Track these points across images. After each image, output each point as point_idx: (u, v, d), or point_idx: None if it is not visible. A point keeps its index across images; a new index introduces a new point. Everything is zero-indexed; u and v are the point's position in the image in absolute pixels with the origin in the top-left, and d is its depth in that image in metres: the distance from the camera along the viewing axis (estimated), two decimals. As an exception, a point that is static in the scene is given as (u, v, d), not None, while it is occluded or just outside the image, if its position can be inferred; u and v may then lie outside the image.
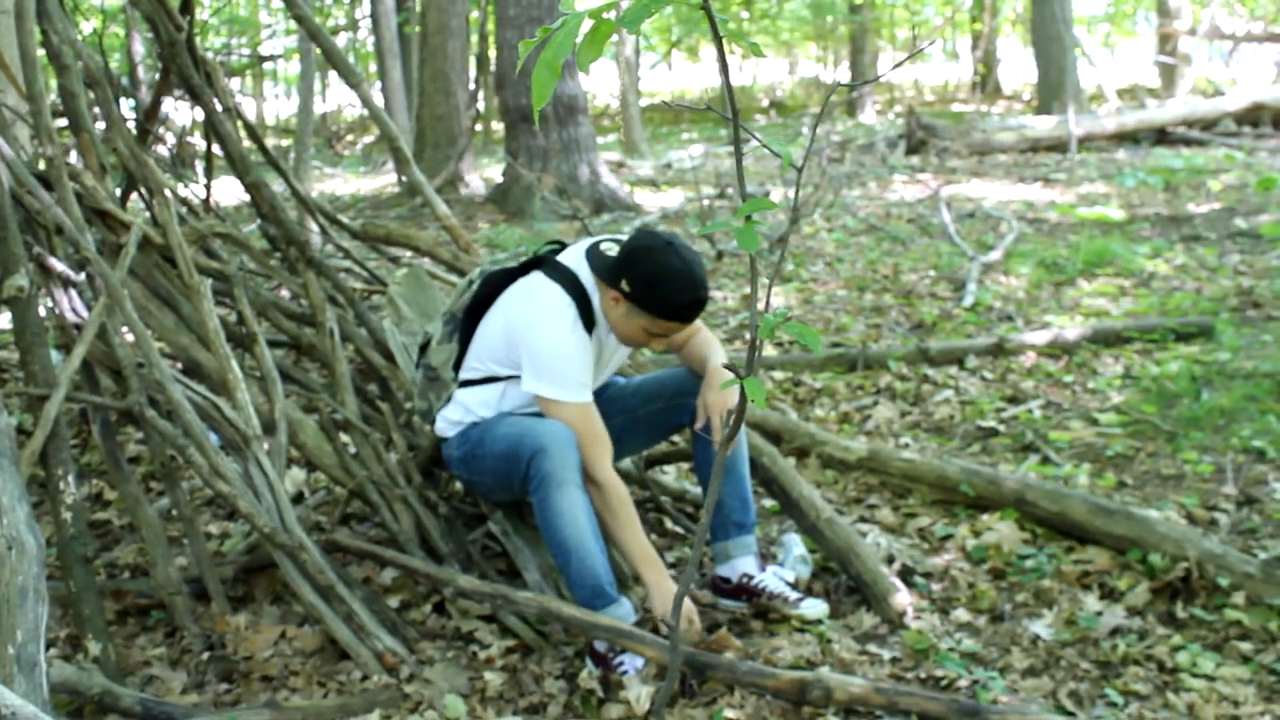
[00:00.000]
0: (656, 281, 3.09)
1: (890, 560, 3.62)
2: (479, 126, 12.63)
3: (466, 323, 3.40)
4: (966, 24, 28.79)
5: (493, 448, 3.24)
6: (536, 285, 3.26)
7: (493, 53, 11.79)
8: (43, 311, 3.44)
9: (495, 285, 3.37)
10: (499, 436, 3.23)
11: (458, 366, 3.44)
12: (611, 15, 1.72)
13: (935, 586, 3.53)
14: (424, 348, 3.55)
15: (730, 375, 3.15)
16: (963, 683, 2.98)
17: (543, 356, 3.17)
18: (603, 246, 3.26)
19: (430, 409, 3.54)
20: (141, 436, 4.36)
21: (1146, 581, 3.40)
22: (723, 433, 3.16)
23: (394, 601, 3.46)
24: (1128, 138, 14.71)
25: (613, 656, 3.05)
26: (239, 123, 4.34)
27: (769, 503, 4.06)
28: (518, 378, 3.27)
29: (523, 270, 3.35)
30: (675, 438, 3.84)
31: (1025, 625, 3.28)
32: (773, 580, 3.39)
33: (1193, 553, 3.36)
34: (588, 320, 3.23)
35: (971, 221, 9.86)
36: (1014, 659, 3.10)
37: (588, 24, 1.73)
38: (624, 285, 3.12)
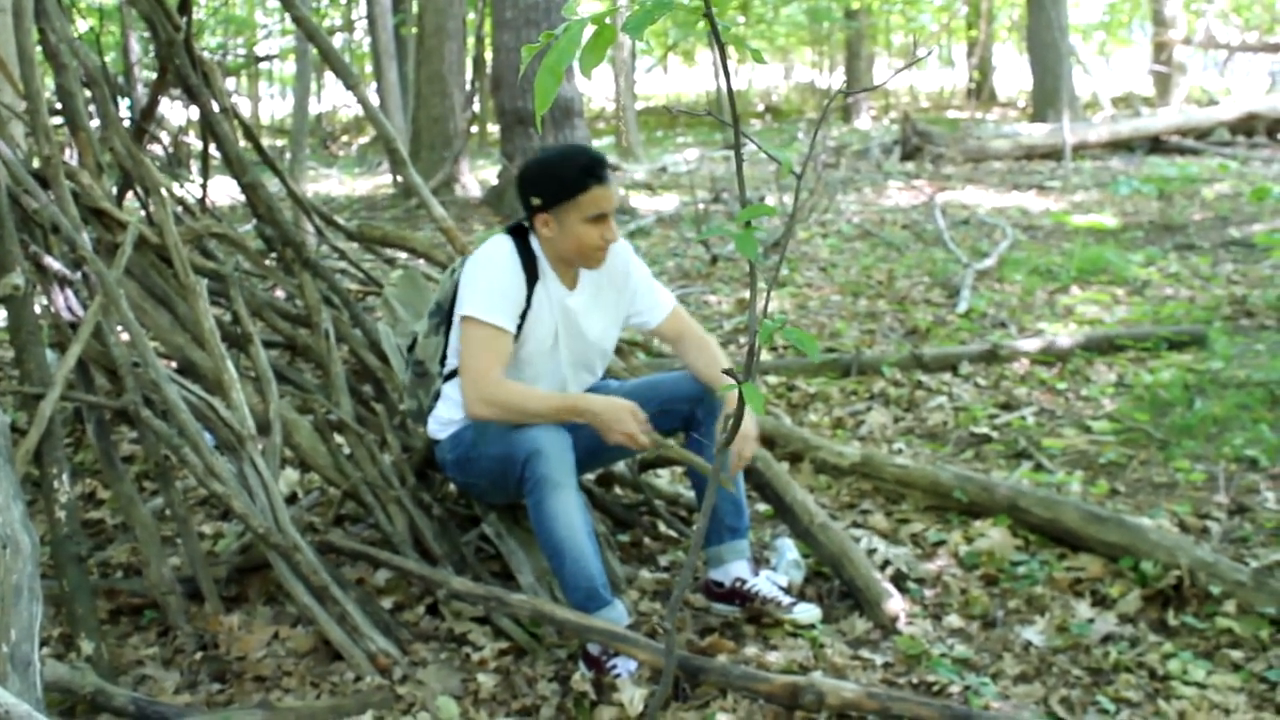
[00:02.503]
0: (548, 168, 3.21)
1: (885, 565, 3.63)
2: (475, 128, 12.62)
3: (451, 314, 3.41)
4: (962, 31, 28.86)
5: (487, 450, 3.24)
6: (490, 238, 3.35)
7: (489, 55, 11.78)
8: (38, 310, 3.44)
9: None
10: (493, 439, 3.23)
11: (444, 360, 3.45)
12: (613, 21, 1.73)
13: (928, 592, 3.54)
14: (412, 346, 3.57)
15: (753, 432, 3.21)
16: (955, 688, 2.99)
17: (473, 280, 3.22)
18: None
19: (421, 408, 3.54)
20: (136, 436, 4.36)
21: (1138, 589, 3.40)
22: (721, 437, 3.16)
23: (387, 603, 3.46)
24: (1122, 146, 14.75)
25: (606, 659, 3.05)
26: (235, 123, 4.34)
27: (763, 507, 4.06)
28: None
29: None
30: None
31: (1017, 631, 3.28)
32: (766, 585, 3.39)
33: (1184, 561, 3.37)
34: (530, 267, 3.26)
35: (966, 228, 9.88)
36: (1006, 665, 3.11)
37: (590, 30, 1.74)
38: (533, 200, 3.19)
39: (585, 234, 3.20)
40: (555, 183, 3.17)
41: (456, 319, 3.27)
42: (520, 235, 3.30)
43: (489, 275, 3.22)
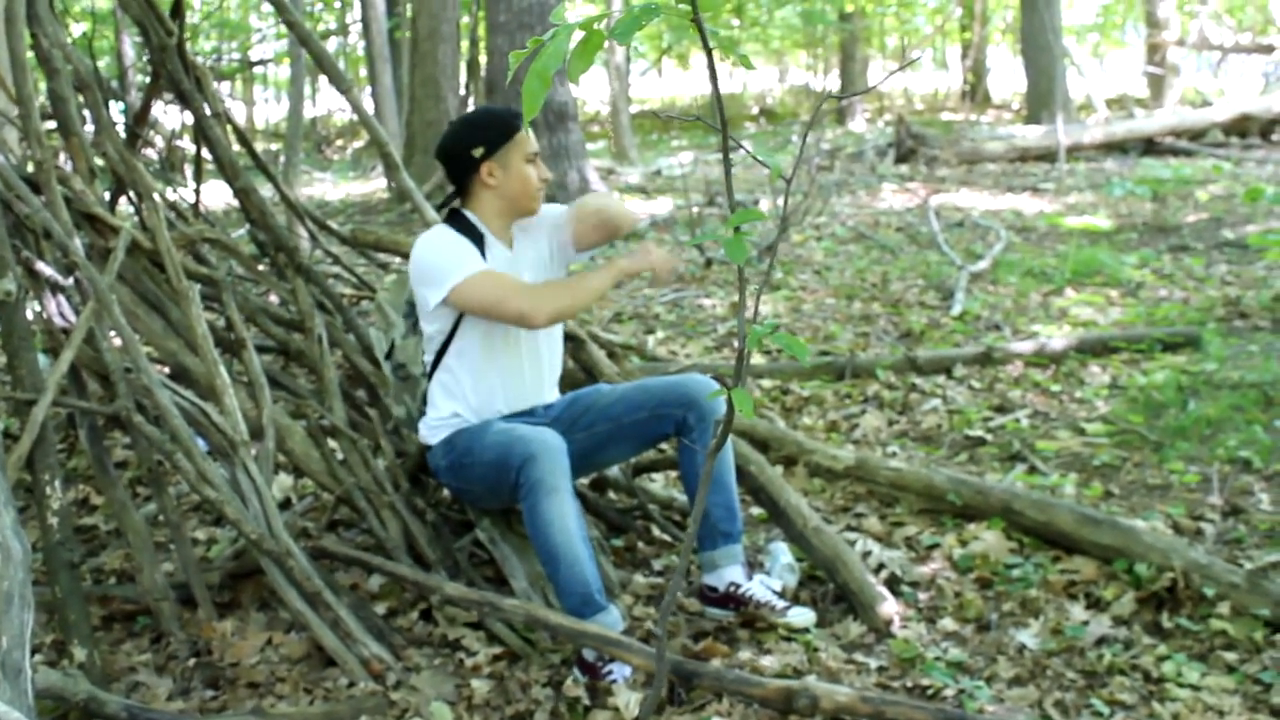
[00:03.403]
0: (477, 122, 3.37)
1: (879, 569, 3.63)
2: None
3: None
4: (956, 33, 28.86)
5: (482, 456, 3.24)
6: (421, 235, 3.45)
7: (483, 59, 11.78)
8: (30, 315, 3.43)
9: None
10: (488, 445, 3.23)
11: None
12: (602, 26, 1.72)
13: (922, 595, 3.54)
14: (390, 352, 3.58)
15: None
16: (949, 692, 2.99)
17: (425, 266, 3.28)
18: (444, 199, 3.47)
19: (410, 414, 3.55)
20: (129, 442, 4.34)
21: (1132, 591, 3.41)
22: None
23: (381, 608, 3.46)
24: (1116, 147, 14.75)
25: (601, 665, 3.05)
26: (229, 127, 4.34)
27: (756, 511, 4.06)
28: (456, 329, 3.35)
29: None
30: (663, 445, 3.84)
31: (1011, 634, 3.28)
32: (760, 589, 3.39)
33: (1178, 563, 3.37)
34: (472, 235, 3.34)
35: (960, 230, 9.89)
36: (1000, 668, 3.11)
37: (579, 35, 1.74)
38: (475, 152, 3.31)
39: (529, 179, 3.35)
40: (490, 130, 3.32)
41: (432, 305, 3.29)
42: (452, 218, 3.40)
43: (434, 249, 3.30)
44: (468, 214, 3.38)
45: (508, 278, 3.26)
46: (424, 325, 3.38)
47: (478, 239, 3.33)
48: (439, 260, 3.26)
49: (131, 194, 3.96)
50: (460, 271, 3.22)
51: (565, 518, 3.08)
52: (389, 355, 3.59)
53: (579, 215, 3.46)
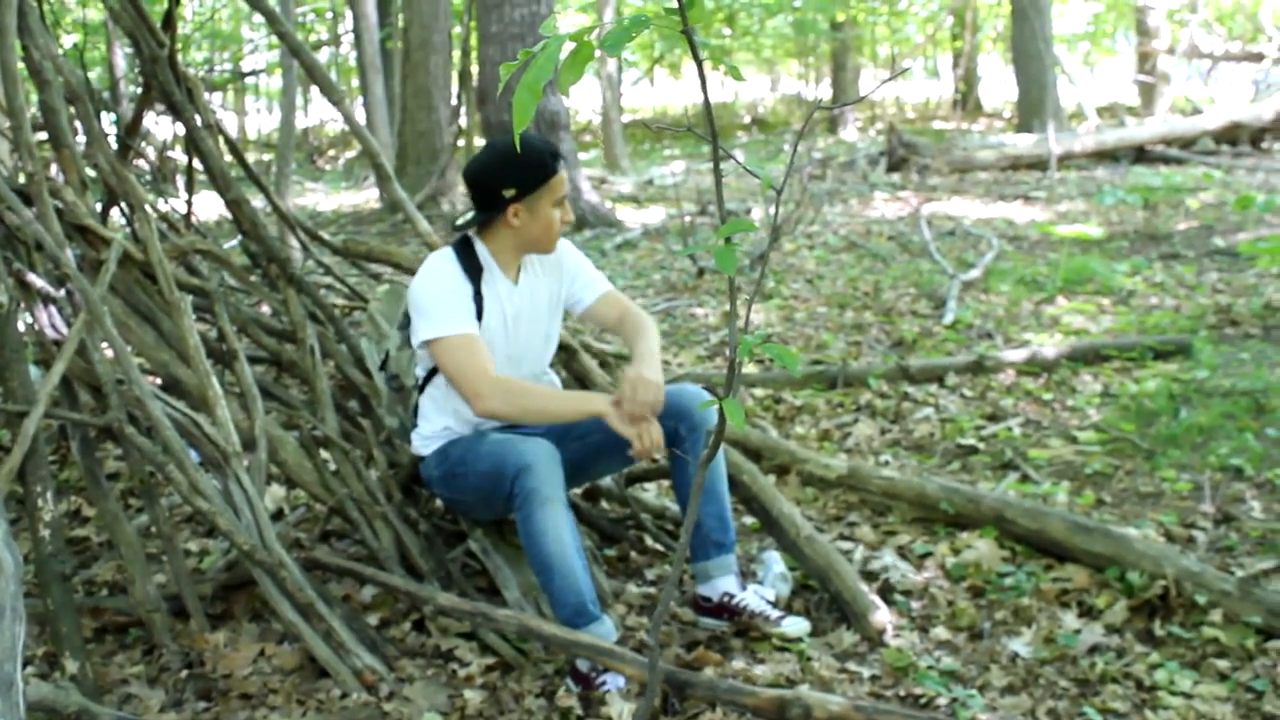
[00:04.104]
0: (516, 159, 3.22)
1: (873, 577, 3.63)
2: (461, 142, 12.59)
3: None
4: (947, 42, 28.94)
5: (476, 466, 3.24)
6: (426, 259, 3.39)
7: (475, 68, 11.77)
8: (22, 327, 3.43)
9: None
10: (482, 455, 3.23)
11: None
12: (593, 37, 1.73)
13: (915, 604, 3.54)
14: (384, 363, 3.58)
15: (656, 379, 3.19)
16: (942, 701, 2.99)
17: (420, 302, 3.25)
18: (462, 219, 3.37)
19: (403, 425, 3.55)
20: (120, 453, 4.34)
21: (1125, 599, 3.41)
22: (645, 398, 3.15)
23: (373, 619, 3.45)
24: (1107, 156, 14.80)
25: (595, 675, 3.05)
26: (220, 138, 4.34)
27: (749, 520, 4.06)
28: None
29: None
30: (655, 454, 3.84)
31: (1004, 643, 3.29)
32: (754, 599, 3.39)
33: (1170, 571, 3.37)
34: (471, 269, 3.30)
35: (952, 239, 9.90)
36: (993, 677, 3.11)
37: (569, 46, 1.74)
38: (506, 192, 3.23)
39: (551, 222, 3.29)
40: (527, 171, 3.23)
41: (416, 343, 3.29)
42: (462, 245, 3.35)
43: (431, 292, 3.25)
44: (478, 244, 3.34)
45: (481, 355, 3.20)
46: (414, 343, 3.38)
47: (476, 274, 3.30)
48: (430, 306, 3.23)
49: (123, 205, 3.96)
50: (444, 327, 3.20)
51: (559, 528, 3.08)
52: (383, 366, 3.59)
53: (607, 302, 3.49)
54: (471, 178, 3.30)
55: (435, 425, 3.39)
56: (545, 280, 3.45)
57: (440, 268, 3.30)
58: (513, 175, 3.23)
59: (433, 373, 3.38)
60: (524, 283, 3.40)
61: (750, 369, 5.98)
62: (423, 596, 3.29)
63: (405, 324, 3.50)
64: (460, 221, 3.37)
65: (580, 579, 3.09)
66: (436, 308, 3.22)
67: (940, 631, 3.37)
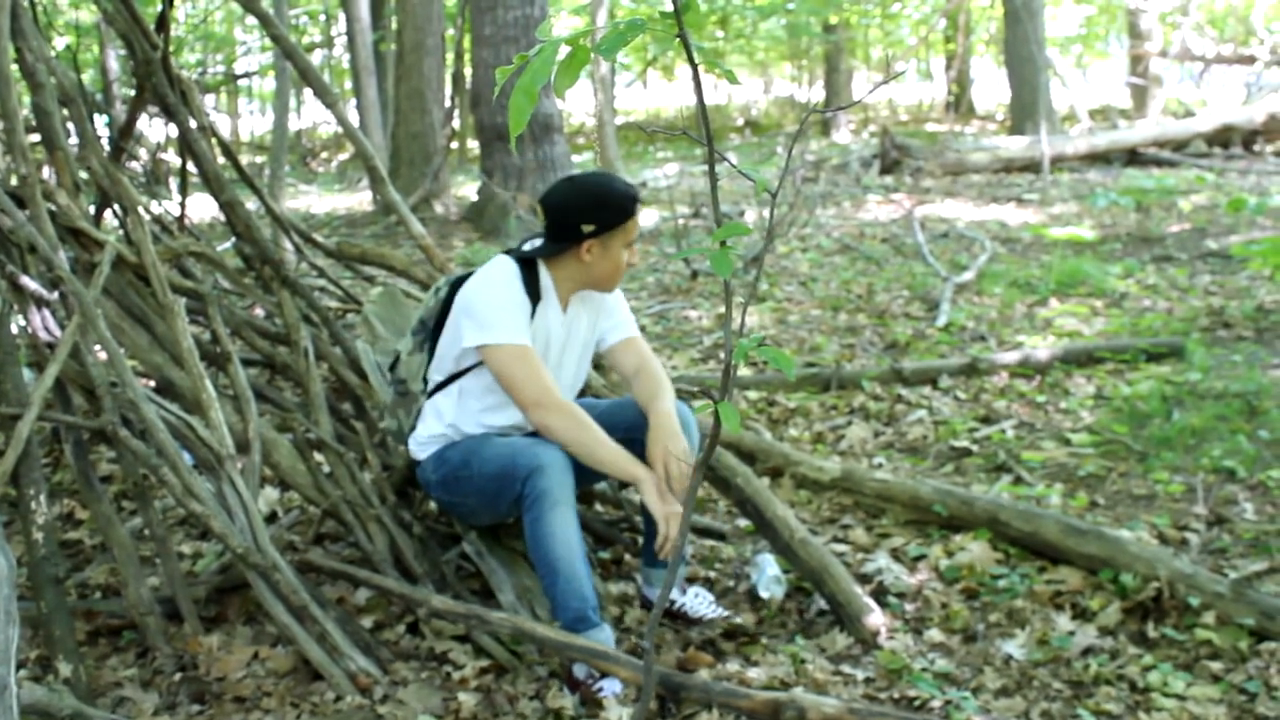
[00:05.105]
0: (600, 197, 3.23)
1: (867, 580, 3.63)
2: (454, 145, 12.60)
3: (436, 332, 3.41)
4: (940, 44, 28.96)
5: (482, 468, 3.23)
6: (489, 262, 3.36)
7: (469, 71, 11.78)
8: (15, 330, 3.42)
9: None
10: (488, 457, 3.22)
11: (427, 379, 3.45)
12: (588, 41, 1.73)
13: (909, 607, 3.55)
14: (394, 365, 3.57)
15: (686, 456, 3.18)
16: (936, 703, 2.99)
17: (477, 307, 3.22)
18: (531, 245, 3.34)
19: (401, 428, 3.54)
20: (114, 456, 4.33)
21: (1118, 601, 3.42)
22: (682, 479, 3.16)
23: (368, 622, 3.45)
24: (1099, 158, 14.83)
25: (592, 681, 3.05)
26: (214, 140, 4.34)
27: (743, 522, 4.07)
28: (473, 368, 3.31)
29: None
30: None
31: (998, 645, 3.29)
32: (694, 602, 3.46)
33: (1164, 573, 3.38)
34: (533, 290, 3.29)
35: (945, 241, 9.92)
36: (987, 679, 3.12)
37: (564, 50, 1.74)
38: (585, 227, 3.22)
39: (619, 261, 3.30)
40: (609, 211, 3.22)
41: (469, 341, 3.24)
42: (521, 256, 3.32)
43: (494, 298, 3.22)
44: (542, 269, 3.32)
45: (543, 369, 3.21)
46: (443, 344, 3.36)
47: (535, 296, 3.29)
48: (490, 312, 3.20)
49: (116, 208, 3.96)
50: (504, 335, 3.18)
51: (568, 532, 3.08)
52: (392, 367, 3.58)
53: (629, 347, 3.48)
54: (551, 208, 3.27)
55: (435, 430, 3.38)
56: (587, 313, 3.45)
57: (505, 279, 3.27)
58: (595, 213, 3.22)
59: (450, 379, 3.37)
60: (571, 312, 3.39)
61: (744, 371, 5.98)
62: (417, 599, 3.28)
63: (419, 329, 3.48)
64: (529, 247, 3.34)
65: (584, 585, 3.10)
66: (499, 314, 3.19)
67: (934, 634, 3.37)
